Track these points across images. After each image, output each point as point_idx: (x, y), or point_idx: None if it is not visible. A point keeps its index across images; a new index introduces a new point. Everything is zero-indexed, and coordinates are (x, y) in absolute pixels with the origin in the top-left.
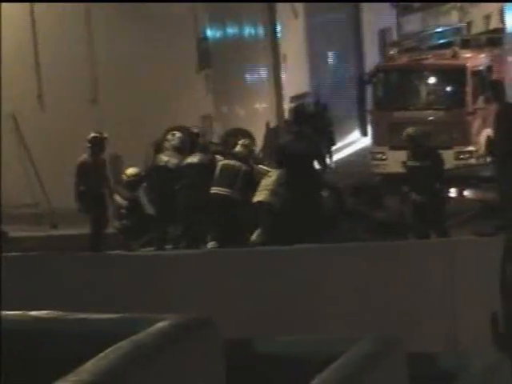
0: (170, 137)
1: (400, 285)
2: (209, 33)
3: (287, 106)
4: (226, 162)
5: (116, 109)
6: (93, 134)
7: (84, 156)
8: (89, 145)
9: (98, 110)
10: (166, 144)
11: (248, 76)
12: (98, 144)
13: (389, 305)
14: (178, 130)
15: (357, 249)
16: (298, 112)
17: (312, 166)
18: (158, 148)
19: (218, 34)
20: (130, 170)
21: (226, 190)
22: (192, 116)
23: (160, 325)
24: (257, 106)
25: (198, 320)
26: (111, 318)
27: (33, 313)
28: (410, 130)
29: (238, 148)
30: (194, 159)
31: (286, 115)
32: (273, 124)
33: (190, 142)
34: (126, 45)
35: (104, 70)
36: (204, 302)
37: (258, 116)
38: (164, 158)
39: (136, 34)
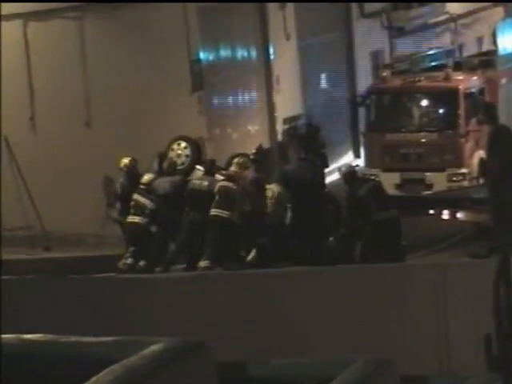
0: (175, 146)
1: (392, 307)
2: (202, 55)
3: (280, 128)
4: (223, 183)
5: (109, 131)
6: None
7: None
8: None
9: (92, 132)
10: (171, 153)
11: (240, 98)
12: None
13: (380, 328)
14: (183, 140)
15: (347, 271)
16: (304, 138)
17: (316, 193)
18: (163, 158)
19: (211, 55)
20: (146, 177)
21: (225, 212)
22: None
23: (153, 348)
24: (249, 128)
25: (191, 343)
26: (103, 342)
27: (25, 336)
28: None
29: (233, 167)
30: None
31: (279, 137)
32: (265, 147)
33: (197, 152)
34: (120, 67)
35: (97, 93)
36: (195, 326)
37: (251, 138)
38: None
39: (129, 56)
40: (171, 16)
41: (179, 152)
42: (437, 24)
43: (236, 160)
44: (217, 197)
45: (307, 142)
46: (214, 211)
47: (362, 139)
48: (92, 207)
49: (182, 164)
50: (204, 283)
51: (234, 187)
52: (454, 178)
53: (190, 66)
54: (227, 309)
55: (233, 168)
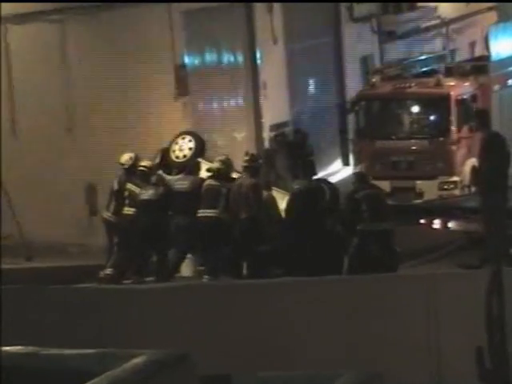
0: (179, 140)
1: (381, 319)
2: (187, 59)
3: (267, 134)
4: (207, 182)
5: (91, 137)
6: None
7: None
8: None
9: (74, 138)
10: (174, 146)
11: (226, 104)
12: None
13: (369, 339)
14: (188, 134)
15: (334, 282)
16: (292, 145)
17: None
18: (166, 153)
19: (197, 60)
20: (144, 163)
21: (212, 211)
22: None
23: (135, 361)
24: (235, 134)
25: (174, 356)
26: (85, 354)
27: (5, 348)
28: None
29: (215, 164)
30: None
31: (266, 144)
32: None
33: (200, 146)
34: (102, 71)
35: (80, 97)
36: (179, 338)
37: (237, 145)
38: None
39: (113, 60)
40: (155, 19)
41: (183, 145)
42: (428, 28)
43: (219, 157)
44: (203, 196)
45: (295, 149)
46: (201, 212)
47: (351, 146)
48: (75, 216)
49: (185, 157)
50: (188, 294)
51: (220, 185)
52: (446, 187)
53: (174, 70)
54: (212, 320)
55: (216, 165)
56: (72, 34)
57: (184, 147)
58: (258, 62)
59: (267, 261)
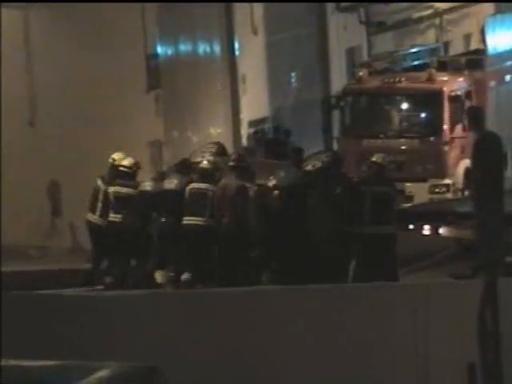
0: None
1: (369, 329)
2: (159, 49)
3: (245, 131)
4: (192, 186)
5: (55, 132)
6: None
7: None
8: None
9: (36, 132)
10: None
11: (202, 98)
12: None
13: (358, 351)
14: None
15: (322, 291)
16: (273, 143)
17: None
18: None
19: (170, 50)
20: (126, 161)
21: (198, 218)
22: (139, 141)
23: (100, 374)
24: (211, 130)
25: (142, 369)
26: (47, 366)
27: None
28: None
29: (203, 164)
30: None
31: (244, 142)
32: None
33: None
34: (68, 61)
35: (43, 89)
36: (150, 348)
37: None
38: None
39: (79, 49)
40: (126, 6)
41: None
42: (420, 19)
43: (206, 157)
44: (188, 201)
45: (276, 147)
46: (186, 219)
47: (335, 145)
48: (35, 215)
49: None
50: (159, 303)
51: (206, 188)
52: (437, 190)
53: (146, 61)
54: (185, 331)
55: (205, 162)
56: (36, 21)
57: (205, 153)
58: (237, 53)
59: (258, 267)
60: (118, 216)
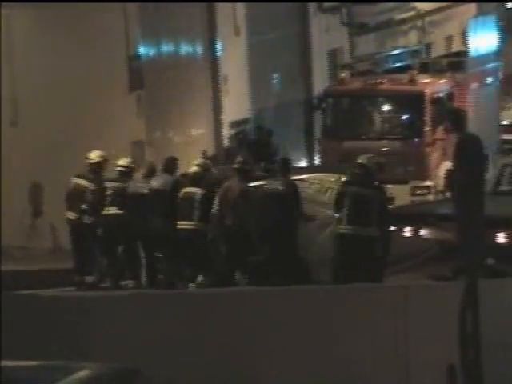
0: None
1: (348, 331)
2: (142, 50)
3: (227, 132)
4: (184, 190)
5: (37, 132)
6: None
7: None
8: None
9: (18, 132)
10: None
11: (184, 99)
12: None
13: (336, 353)
14: None
15: (301, 292)
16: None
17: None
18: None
19: (152, 51)
20: (122, 161)
21: (189, 223)
22: (122, 142)
23: (80, 374)
24: (193, 131)
25: (122, 371)
26: (27, 366)
27: None
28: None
29: (193, 168)
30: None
31: (226, 142)
32: (210, 152)
33: None
34: (50, 62)
35: (25, 90)
36: (131, 349)
37: (194, 143)
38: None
39: (61, 49)
40: (108, 7)
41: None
42: (403, 21)
43: (197, 160)
44: (180, 206)
45: (258, 148)
46: (181, 223)
47: (317, 146)
48: (17, 216)
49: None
50: (142, 303)
51: (200, 192)
52: (418, 192)
53: (128, 62)
54: (167, 333)
55: (194, 168)
56: (18, 20)
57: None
58: (219, 54)
59: (262, 272)
60: (114, 208)
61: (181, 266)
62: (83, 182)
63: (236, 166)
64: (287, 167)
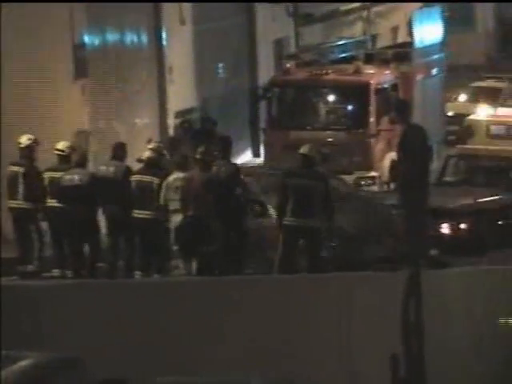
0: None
1: (293, 321)
2: (86, 38)
3: (172, 121)
4: (139, 177)
5: None
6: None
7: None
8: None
9: None
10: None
11: (129, 88)
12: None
13: (281, 342)
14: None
15: (248, 282)
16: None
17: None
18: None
19: (97, 40)
20: (59, 145)
21: (147, 212)
22: (65, 131)
23: (22, 363)
24: (137, 120)
25: (64, 360)
26: None
27: None
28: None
29: (146, 153)
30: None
31: (170, 132)
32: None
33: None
34: None
35: None
36: (74, 339)
37: (139, 132)
38: None
39: (5, 37)
40: None
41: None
42: (348, 11)
43: (150, 145)
44: (134, 194)
45: (202, 138)
46: (136, 212)
47: (262, 136)
48: None
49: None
50: (86, 291)
51: (153, 180)
52: (363, 182)
53: (72, 50)
54: (111, 321)
55: (147, 154)
56: None
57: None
58: (164, 43)
59: (215, 262)
60: (55, 201)
61: (132, 254)
62: (15, 168)
63: (198, 156)
64: (227, 148)
